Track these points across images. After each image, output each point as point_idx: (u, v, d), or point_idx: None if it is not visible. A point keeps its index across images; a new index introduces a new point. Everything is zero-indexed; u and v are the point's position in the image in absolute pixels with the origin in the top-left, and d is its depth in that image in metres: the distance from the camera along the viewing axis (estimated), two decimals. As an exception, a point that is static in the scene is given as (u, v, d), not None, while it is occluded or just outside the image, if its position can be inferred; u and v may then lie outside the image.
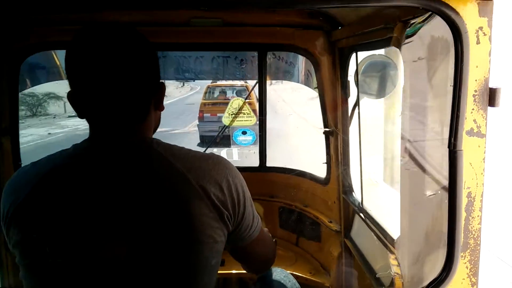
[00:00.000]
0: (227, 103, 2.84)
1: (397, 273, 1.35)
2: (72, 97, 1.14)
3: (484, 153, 0.97)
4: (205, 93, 13.24)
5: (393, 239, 1.59)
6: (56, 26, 2.18)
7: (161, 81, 1.20)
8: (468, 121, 0.95)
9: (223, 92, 13.16)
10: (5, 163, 2.33)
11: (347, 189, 2.31)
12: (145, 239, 1.10)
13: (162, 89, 1.20)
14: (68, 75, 1.13)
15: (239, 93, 11.23)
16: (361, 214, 2.04)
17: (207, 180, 1.11)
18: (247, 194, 1.20)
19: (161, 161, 1.13)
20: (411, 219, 1.25)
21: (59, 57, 2.49)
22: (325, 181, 2.55)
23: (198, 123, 12.04)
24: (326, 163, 2.46)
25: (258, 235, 1.28)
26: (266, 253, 1.42)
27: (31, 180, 1.12)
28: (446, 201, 1.02)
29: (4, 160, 2.32)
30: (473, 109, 0.95)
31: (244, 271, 1.67)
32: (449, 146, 0.97)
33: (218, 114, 11.32)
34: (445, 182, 1.02)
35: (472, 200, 1.00)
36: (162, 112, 1.27)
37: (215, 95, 13.21)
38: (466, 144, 0.96)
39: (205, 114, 11.92)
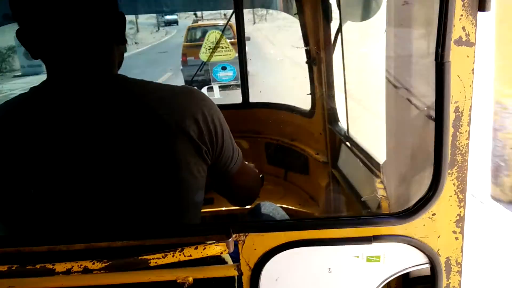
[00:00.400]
0: (209, 45, 2.71)
1: (383, 196, 1.35)
2: (21, 35, 1.04)
3: (473, 63, 0.91)
4: (186, 35, 12.49)
5: (379, 164, 1.57)
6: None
7: (120, 12, 1.10)
8: (456, 28, 0.88)
9: (205, 32, 12.46)
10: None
11: (333, 120, 2.27)
12: (119, 181, 1.06)
13: (122, 20, 1.11)
14: (13, 10, 1.03)
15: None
16: (347, 143, 2.01)
17: (180, 115, 1.06)
18: (224, 125, 1.15)
19: (128, 97, 1.06)
20: (397, 140, 1.22)
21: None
22: (310, 114, 2.50)
23: (181, 67, 11.45)
24: (310, 94, 2.40)
25: (240, 168, 1.25)
26: (249, 184, 1.40)
27: None
28: (433, 117, 0.97)
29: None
30: (461, 15, 0.88)
31: (234, 208, 1.66)
32: (436, 58, 0.91)
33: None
34: (431, 98, 0.97)
35: (460, 115, 0.96)
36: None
37: (197, 37, 12.37)
38: (454, 54, 0.90)
39: (188, 58, 11.17)
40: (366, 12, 1.90)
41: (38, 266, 0.94)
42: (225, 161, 1.19)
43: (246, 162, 1.34)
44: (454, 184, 1.03)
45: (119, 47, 1.14)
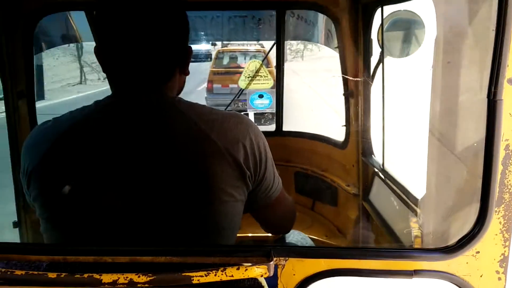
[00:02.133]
0: (240, 72, 2.77)
1: (420, 231, 1.33)
2: (98, 51, 1.14)
3: (525, 102, 0.92)
4: (215, 59, 11.34)
5: (416, 199, 1.56)
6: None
7: (188, 46, 1.19)
8: (510, 68, 0.90)
9: (234, 58, 11.29)
10: (22, 126, 2.33)
11: (367, 152, 2.27)
12: (165, 198, 1.09)
13: (189, 53, 1.19)
14: (95, 29, 1.15)
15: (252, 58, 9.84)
16: (382, 175, 2.01)
17: (229, 139, 1.10)
18: (268, 153, 1.19)
19: (183, 119, 1.12)
20: (439, 174, 1.22)
21: (74, 18, 2.45)
22: (344, 145, 2.51)
23: (206, 95, 10.56)
24: (345, 125, 2.42)
25: (279, 196, 1.27)
26: (286, 213, 1.41)
27: (51, 136, 1.12)
28: (481, 154, 0.98)
29: (21, 123, 2.32)
30: (516, 54, 0.89)
31: (260, 235, 1.67)
32: (488, 96, 0.92)
33: (231, 85, 9.65)
34: (480, 135, 0.98)
35: (510, 153, 0.96)
36: None
37: (225, 62, 11.34)
38: (507, 93, 0.91)
39: (214, 85, 10.32)
40: (406, 49, 1.93)
41: (85, 275, 0.97)
42: (265, 187, 1.21)
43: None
44: (500, 223, 1.02)
45: (182, 76, 1.22)
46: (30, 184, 1.12)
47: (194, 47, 1.26)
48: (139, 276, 0.97)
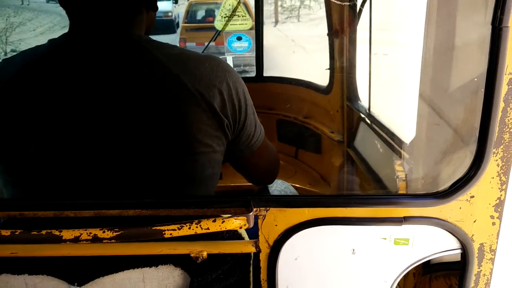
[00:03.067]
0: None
1: (405, 175, 1.27)
2: None
3: (534, 30, 0.81)
4: (186, 13, 9.54)
5: (405, 144, 1.48)
6: None
7: None
8: (520, -11, 0.78)
9: (211, 12, 9.43)
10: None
11: (352, 96, 2.17)
12: (133, 147, 0.99)
13: None
14: None
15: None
16: (368, 120, 1.92)
17: (204, 84, 0.99)
18: (249, 100, 1.08)
19: (152, 60, 0.99)
20: (431, 115, 1.13)
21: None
22: (328, 90, 2.40)
23: None
24: (329, 69, 2.29)
25: (261, 145, 1.18)
26: (270, 163, 1.33)
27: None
28: (481, 90, 0.88)
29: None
30: (529, -28, 0.77)
31: (242, 184, 1.59)
32: (493, 22, 0.81)
33: (207, 43, 8.08)
34: (481, 68, 0.88)
35: (513, 88, 0.87)
36: None
37: (200, 17, 9.66)
38: (514, 19, 0.80)
39: (187, 43, 8.58)
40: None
41: (43, 232, 0.87)
42: (246, 137, 1.12)
43: None
44: (498, 165, 0.94)
45: (150, 12, 1.08)
46: None
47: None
48: (104, 231, 0.88)
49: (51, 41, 1.02)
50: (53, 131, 0.96)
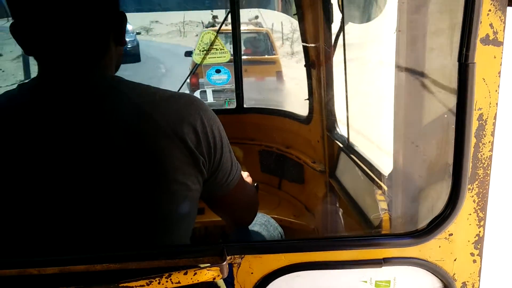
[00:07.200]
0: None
1: (386, 210, 1.24)
2: (15, 29, 0.96)
3: (500, 65, 0.81)
4: (200, 42, 9.19)
5: (384, 176, 1.46)
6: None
7: (121, 11, 1.03)
8: (483, 25, 0.78)
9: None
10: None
11: (332, 127, 2.16)
12: (101, 192, 0.95)
13: (122, 20, 1.03)
14: (8, 3, 0.95)
15: (249, 44, 7.76)
16: (347, 151, 1.91)
17: (179, 123, 0.96)
18: (224, 138, 1.05)
19: (124, 101, 0.96)
20: (406, 148, 1.11)
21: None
22: (308, 120, 2.39)
23: (188, 92, 9.00)
24: (307, 99, 2.29)
25: (238, 184, 1.15)
26: (247, 203, 1.29)
27: None
28: (452, 125, 0.87)
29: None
30: (489, 10, 0.77)
31: (219, 219, 1.54)
32: (459, 59, 0.80)
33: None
34: (450, 104, 0.87)
35: (484, 124, 0.86)
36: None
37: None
38: (480, 54, 0.80)
39: (200, 80, 7.60)
40: (367, 14, 1.80)
41: (1, 294, 0.82)
42: (222, 175, 1.08)
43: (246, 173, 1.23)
44: (474, 201, 0.92)
45: (118, 48, 1.05)
46: None
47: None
48: (67, 292, 0.82)
49: (20, 85, 0.99)
50: (23, 180, 0.92)
